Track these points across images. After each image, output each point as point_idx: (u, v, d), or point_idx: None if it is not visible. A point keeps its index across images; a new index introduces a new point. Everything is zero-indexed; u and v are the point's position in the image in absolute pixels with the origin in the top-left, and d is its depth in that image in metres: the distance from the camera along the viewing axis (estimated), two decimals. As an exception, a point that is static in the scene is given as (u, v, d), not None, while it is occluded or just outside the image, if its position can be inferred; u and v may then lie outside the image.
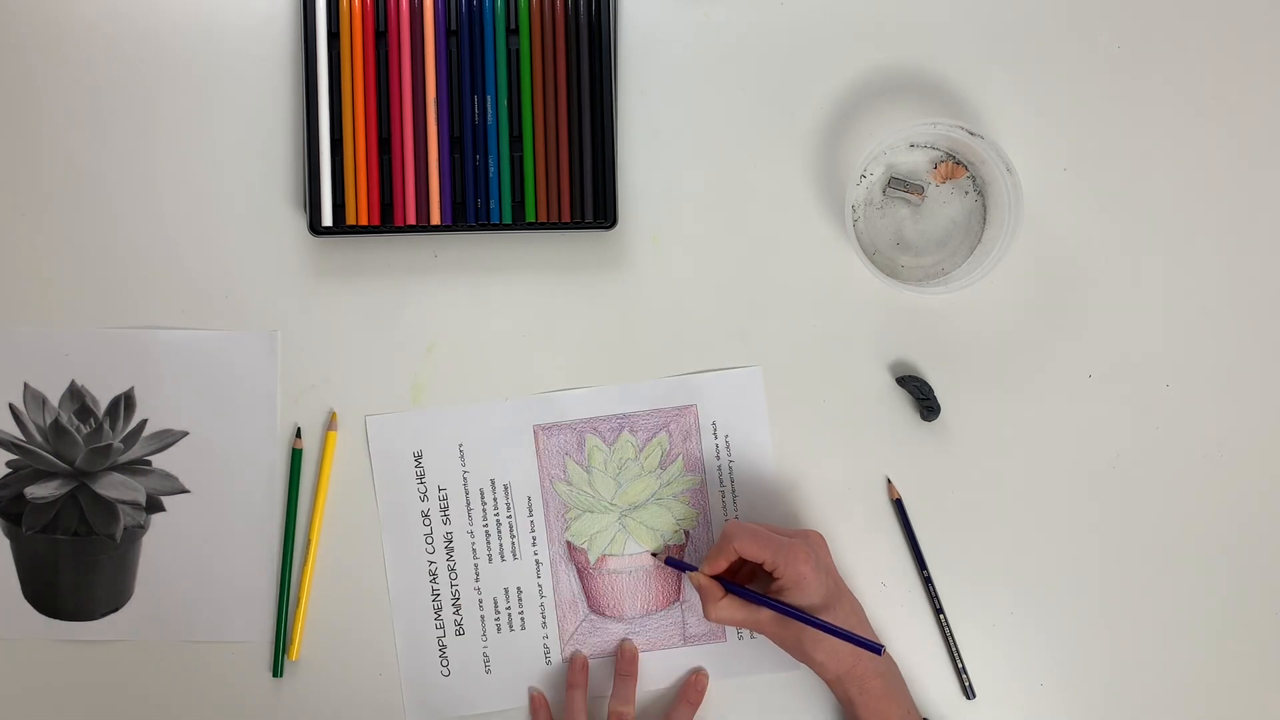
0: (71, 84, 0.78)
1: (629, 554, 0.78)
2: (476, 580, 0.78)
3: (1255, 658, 0.78)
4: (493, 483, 0.78)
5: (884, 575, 0.78)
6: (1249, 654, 0.78)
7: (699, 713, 0.77)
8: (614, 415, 0.78)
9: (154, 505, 0.78)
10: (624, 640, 0.78)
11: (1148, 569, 0.78)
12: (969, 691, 0.78)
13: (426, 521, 0.78)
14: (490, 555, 0.78)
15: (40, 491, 0.78)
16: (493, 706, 0.78)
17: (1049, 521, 0.78)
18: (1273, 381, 0.78)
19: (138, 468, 0.78)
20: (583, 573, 0.78)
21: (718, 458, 0.78)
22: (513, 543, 0.78)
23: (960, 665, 0.78)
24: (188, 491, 0.78)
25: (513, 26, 0.76)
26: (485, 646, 0.78)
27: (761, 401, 0.78)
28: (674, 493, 0.78)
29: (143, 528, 0.78)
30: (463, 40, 0.76)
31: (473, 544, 0.78)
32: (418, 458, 0.78)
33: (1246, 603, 0.78)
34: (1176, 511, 0.78)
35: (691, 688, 0.77)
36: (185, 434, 0.78)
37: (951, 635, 0.78)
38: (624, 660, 0.77)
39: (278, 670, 0.78)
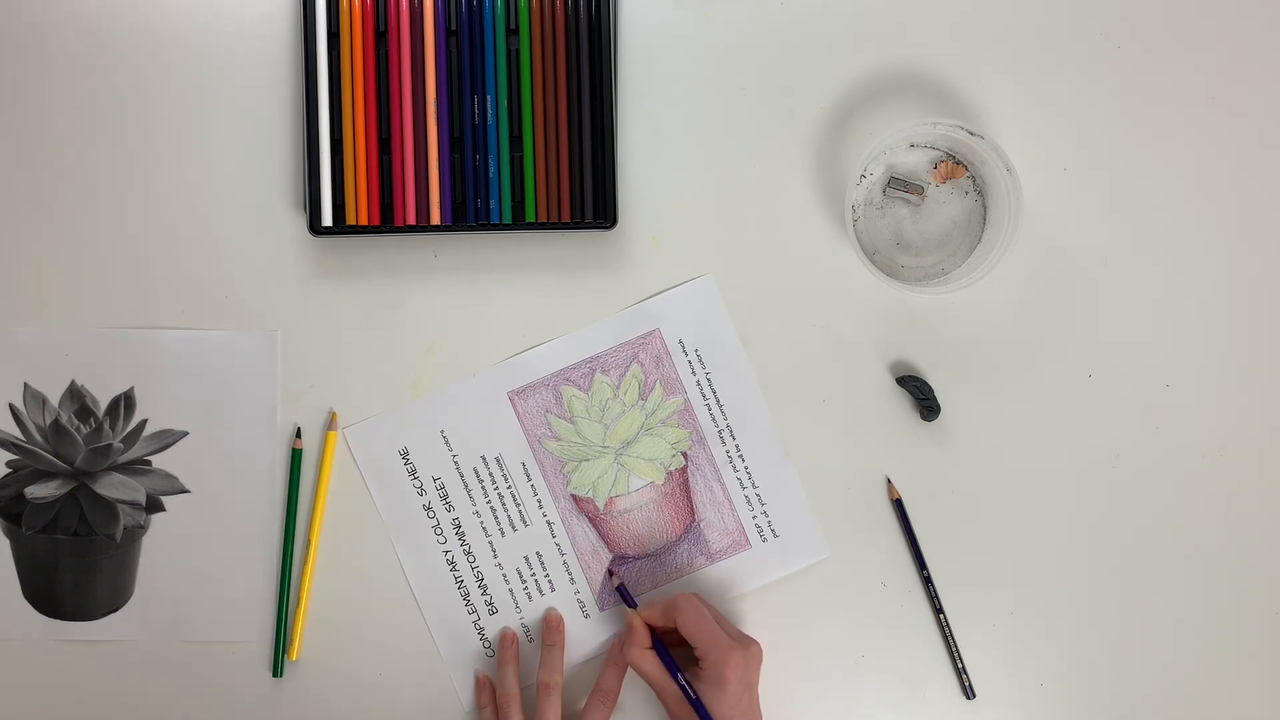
0: (71, 83, 0.78)
1: (634, 490, 0.78)
2: (495, 557, 0.78)
3: (1255, 658, 0.78)
4: (484, 459, 0.78)
5: (884, 575, 0.78)
6: (1248, 654, 0.78)
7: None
8: (582, 360, 0.77)
9: (154, 505, 0.78)
10: (548, 610, 0.78)
11: (1148, 569, 0.78)
12: (969, 691, 0.78)
13: (431, 514, 0.78)
14: (501, 529, 0.78)
15: (40, 491, 0.78)
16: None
17: (1049, 522, 0.78)
18: (1273, 381, 0.78)
19: (138, 468, 0.78)
20: (595, 521, 0.78)
21: (694, 373, 0.78)
22: (520, 511, 0.78)
23: (960, 665, 0.78)
24: (188, 491, 0.78)
25: (513, 26, 0.76)
26: (521, 618, 0.78)
27: (720, 308, 0.77)
28: (661, 419, 0.78)
29: (142, 528, 0.78)
30: (463, 40, 0.76)
31: (481, 523, 0.78)
32: (404, 455, 0.78)
33: (1246, 602, 0.78)
34: (1176, 512, 0.78)
35: (620, 642, 0.75)
36: (185, 434, 0.78)
37: (951, 635, 0.78)
38: (548, 631, 0.77)
39: (278, 670, 0.78)
